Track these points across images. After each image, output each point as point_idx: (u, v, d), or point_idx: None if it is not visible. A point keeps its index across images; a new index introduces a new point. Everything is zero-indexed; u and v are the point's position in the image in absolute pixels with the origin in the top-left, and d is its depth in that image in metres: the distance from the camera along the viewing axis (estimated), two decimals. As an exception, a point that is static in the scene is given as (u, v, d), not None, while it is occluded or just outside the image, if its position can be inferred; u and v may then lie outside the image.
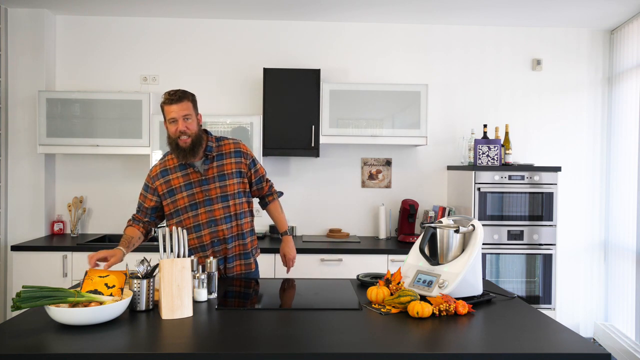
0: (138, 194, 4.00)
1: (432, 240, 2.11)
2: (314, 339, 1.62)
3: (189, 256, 2.41)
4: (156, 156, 3.75)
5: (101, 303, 1.72)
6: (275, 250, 3.53)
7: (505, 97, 4.21)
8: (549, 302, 3.67)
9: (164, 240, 1.89)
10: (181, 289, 1.83)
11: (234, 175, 2.44)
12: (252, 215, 2.59)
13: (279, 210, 2.70)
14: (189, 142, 2.30)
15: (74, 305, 1.71)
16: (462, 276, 1.97)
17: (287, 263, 2.69)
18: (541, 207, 3.65)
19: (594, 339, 4.18)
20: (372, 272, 2.69)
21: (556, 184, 3.66)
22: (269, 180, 2.65)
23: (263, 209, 2.72)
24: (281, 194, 2.74)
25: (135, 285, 1.86)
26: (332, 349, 1.53)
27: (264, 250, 3.53)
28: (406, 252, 3.48)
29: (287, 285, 2.39)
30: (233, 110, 4.13)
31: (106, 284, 1.81)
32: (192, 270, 2.02)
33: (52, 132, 3.74)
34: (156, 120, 3.75)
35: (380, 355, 1.49)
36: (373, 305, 1.97)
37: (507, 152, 3.80)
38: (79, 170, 4.10)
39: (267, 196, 2.65)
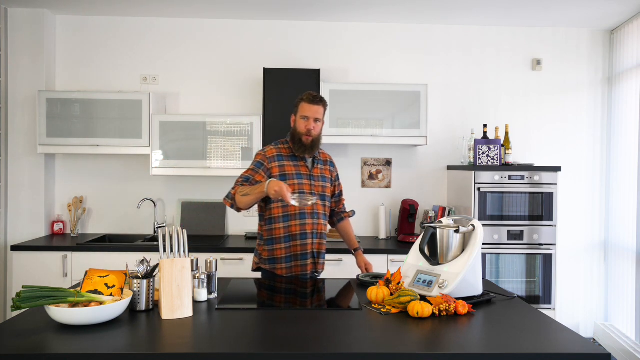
0: (138, 194, 4.06)
1: (432, 240, 2.11)
2: (314, 339, 1.62)
3: (282, 242, 2.51)
4: (156, 156, 3.75)
5: (101, 303, 1.72)
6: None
7: (505, 97, 4.21)
8: (549, 302, 3.67)
9: (164, 240, 1.89)
10: (181, 289, 1.83)
11: (329, 180, 2.67)
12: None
13: (351, 228, 2.85)
14: (310, 141, 2.52)
15: (74, 305, 1.72)
16: (462, 276, 1.97)
17: (369, 269, 2.74)
18: (541, 207, 3.65)
19: (594, 339, 4.18)
20: (372, 272, 2.68)
21: (556, 184, 3.66)
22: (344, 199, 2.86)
23: (333, 227, 2.85)
24: (354, 213, 2.92)
25: (135, 285, 1.86)
26: (332, 349, 1.53)
27: (264, 250, 3.53)
28: (406, 252, 3.48)
29: (288, 285, 2.39)
30: (233, 110, 4.13)
31: (106, 284, 1.81)
32: (192, 270, 2.02)
33: (52, 132, 3.74)
34: (156, 120, 3.75)
35: (380, 355, 1.49)
36: (373, 305, 1.97)
37: (507, 152, 3.80)
38: (79, 170, 4.10)
39: (343, 212, 2.82)
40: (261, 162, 2.54)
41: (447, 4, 3.70)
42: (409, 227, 3.96)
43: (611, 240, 4.11)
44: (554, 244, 3.66)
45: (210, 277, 2.07)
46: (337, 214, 2.80)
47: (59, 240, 3.73)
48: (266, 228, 2.54)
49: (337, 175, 2.76)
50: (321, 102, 2.53)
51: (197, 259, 2.13)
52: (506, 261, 3.67)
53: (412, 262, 2.16)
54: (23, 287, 1.68)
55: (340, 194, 2.79)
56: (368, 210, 4.19)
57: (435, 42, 4.18)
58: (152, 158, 3.75)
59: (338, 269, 3.50)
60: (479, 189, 3.62)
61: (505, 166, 3.68)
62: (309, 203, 2.27)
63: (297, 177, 2.52)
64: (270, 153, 2.57)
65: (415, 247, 2.19)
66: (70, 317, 1.64)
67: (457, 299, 1.94)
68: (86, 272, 1.86)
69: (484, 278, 2.50)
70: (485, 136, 3.84)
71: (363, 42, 4.17)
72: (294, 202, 2.22)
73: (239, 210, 2.48)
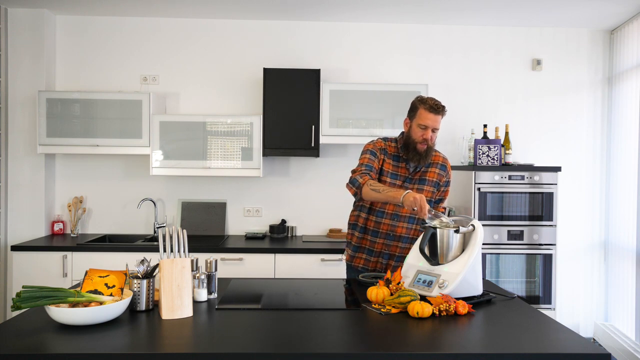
0: (138, 194, 4.06)
1: (432, 240, 2.11)
2: (314, 339, 1.62)
3: (366, 235, 2.52)
4: (156, 156, 3.75)
5: (101, 303, 1.72)
6: (274, 250, 3.53)
7: (505, 97, 4.21)
8: (549, 302, 3.67)
9: (164, 240, 1.89)
10: (181, 289, 1.83)
11: (432, 183, 2.53)
12: None
13: None
14: (424, 150, 2.45)
15: (74, 305, 1.72)
16: (462, 276, 1.97)
17: None
18: (541, 207, 3.65)
19: (594, 339, 4.18)
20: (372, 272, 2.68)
21: (556, 184, 3.66)
22: (444, 208, 2.71)
23: None
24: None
25: (135, 285, 1.86)
26: (332, 349, 1.53)
27: (264, 251, 3.53)
28: (406, 252, 3.48)
29: (287, 285, 2.39)
30: (233, 110, 4.13)
31: (106, 284, 1.81)
32: (192, 270, 2.02)
33: (52, 132, 3.74)
34: (156, 120, 3.74)
35: (380, 355, 1.49)
36: (373, 305, 1.97)
37: (507, 152, 3.80)
38: (79, 170, 4.10)
39: None
40: (374, 150, 2.53)
41: (447, 4, 3.70)
42: (409, 227, 3.95)
43: (611, 241, 4.11)
44: (554, 244, 3.66)
45: (210, 277, 2.07)
46: None
47: (59, 240, 3.73)
48: (353, 213, 2.60)
49: (448, 181, 2.59)
50: (442, 111, 2.42)
51: (197, 259, 2.13)
52: (506, 261, 3.67)
53: (412, 262, 2.16)
54: (23, 287, 1.68)
55: (440, 201, 2.60)
56: (368, 210, 4.19)
57: (435, 42, 4.18)
58: (152, 158, 3.75)
59: (338, 269, 3.49)
60: (479, 189, 3.62)
61: (505, 166, 3.67)
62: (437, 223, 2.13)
63: (392, 177, 2.49)
64: (379, 144, 2.56)
65: (415, 247, 2.19)
66: (70, 317, 1.64)
67: (457, 299, 1.94)
68: (86, 272, 1.86)
69: (484, 278, 2.50)
70: (485, 136, 3.84)
71: (363, 42, 4.17)
72: (428, 221, 2.14)
73: (360, 199, 2.53)
